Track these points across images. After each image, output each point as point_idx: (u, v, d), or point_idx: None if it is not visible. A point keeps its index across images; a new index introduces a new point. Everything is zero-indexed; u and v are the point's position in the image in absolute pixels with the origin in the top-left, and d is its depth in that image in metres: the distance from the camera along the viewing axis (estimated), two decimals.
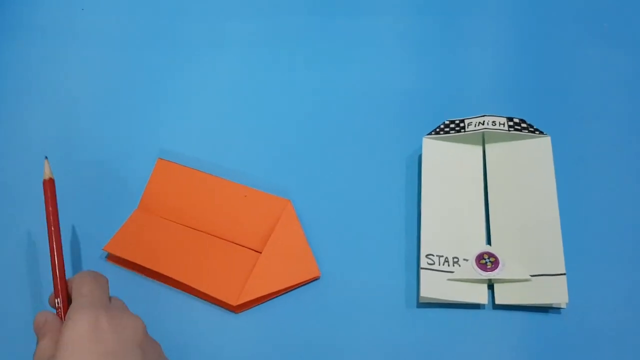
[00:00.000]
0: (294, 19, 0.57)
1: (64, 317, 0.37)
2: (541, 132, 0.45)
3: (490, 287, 0.42)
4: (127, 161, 0.50)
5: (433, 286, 0.41)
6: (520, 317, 0.41)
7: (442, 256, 0.42)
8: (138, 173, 0.49)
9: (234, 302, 0.42)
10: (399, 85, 0.52)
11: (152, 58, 0.56)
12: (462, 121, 0.46)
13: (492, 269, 0.41)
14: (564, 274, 0.40)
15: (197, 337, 0.42)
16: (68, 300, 0.38)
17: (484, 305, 0.42)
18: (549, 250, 0.41)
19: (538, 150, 0.45)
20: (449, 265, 0.42)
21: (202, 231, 0.46)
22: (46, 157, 0.41)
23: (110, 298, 0.37)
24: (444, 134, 0.46)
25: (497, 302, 0.41)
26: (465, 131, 0.46)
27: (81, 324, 0.33)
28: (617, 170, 0.46)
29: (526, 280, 0.41)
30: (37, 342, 0.36)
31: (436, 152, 0.46)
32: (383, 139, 0.49)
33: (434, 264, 0.42)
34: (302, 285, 0.44)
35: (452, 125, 0.46)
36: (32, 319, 0.37)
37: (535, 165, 0.45)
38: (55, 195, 0.40)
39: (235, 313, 0.43)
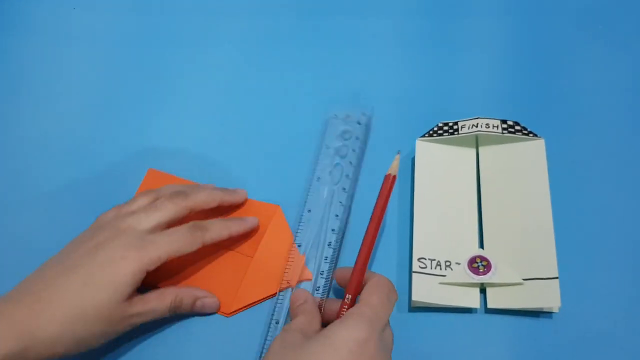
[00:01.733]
0: (287, 20, 0.56)
1: (342, 312, 0.37)
2: (535, 135, 0.45)
3: (483, 291, 0.42)
4: (117, 167, 0.50)
5: (425, 290, 0.41)
6: (513, 321, 0.41)
7: (434, 260, 0.42)
8: (129, 181, 0.49)
9: (227, 310, 0.42)
10: (393, 87, 0.52)
11: (143, 57, 0.56)
12: (456, 123, 0.46)
13: (484, 273, 0.41)
14: (557, 278, 0.39)
15: (188, 341, 0.42)
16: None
17: (476, 309, 0.41)
18: (542, 253, 0.41)
19: (532, 153, 0.45)
20: (441, 269, 0.42)
21: None
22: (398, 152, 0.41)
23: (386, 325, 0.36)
24: (437, 136, 0.46)
25: (489, 306, 0.41)
26: (458, 133, 0.45)
27: (352, 336, 0.33)
28: (611, 173, 0.46)
29: (518, 284, 0.40)
30: (291, 318, 0.38)
31: (429, 154, 0.46)
32: (376, 141, 0.49)
33: (426, 267, 0.42)
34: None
35: (446, 128, 0.46)
36: None
37: (529, 168, 0.44)
38: (390, 192, 0.39)
39: (226, 316, 0.43)
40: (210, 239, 0.41)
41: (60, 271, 0.37)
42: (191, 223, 0.41)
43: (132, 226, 0.39)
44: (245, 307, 0.43)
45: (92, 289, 0.36)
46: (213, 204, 0.44)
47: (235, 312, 0.43)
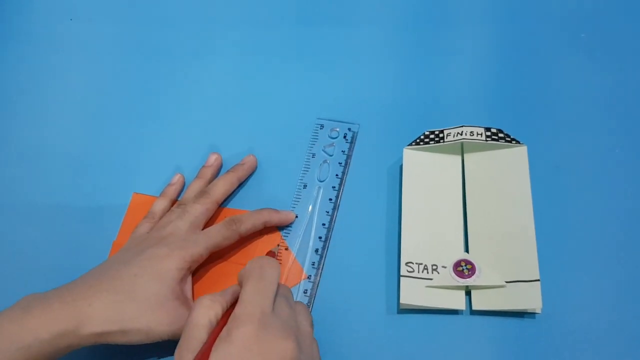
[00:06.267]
0: (275, 31, 0.58)
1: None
2: (518, 142, 0.46)
3: (468, 293, 0.43)
4: (112, 177, 0.51)
5: (412, 293, 0.42)
6: (497, 322, 0.42)
7: (421, 264, 0.43)
8: (123, 187, 0.51)
9: None
10: (380, 96, 0.53)
11: (138, 69, 0.57)
12: (442, 132, 0.47)
13: (468, 276, 0.43)
14: (538, 280, 0.41)
15: None
16: None
17: (461, 311, 0.43)
18: (524, 257, 0.42)
19: (515, 159, 0.46)
20: (427, 273, 0.43)
21: None
22: None
23: (275, 299, 0.36)
24: (423, 144, 0.47)
25: (474, 307, 0.43)
26: (444, 141, 0.47)
27: (234, 346, 0.32)
28: (592, 179, 0.48)
29: (502, 286, 0.42)
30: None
31: (416, 162, 0.47)
32: (364, 150, 0.50)
33: (413, 271, 0.43)
34: None
35: (432, 136, 0.48)
36: None
37: (512, 174, 0.46)
38: None
39: None
40: (246, 230, 0.45)
41: (110, 266, 0.41)
42: (227, 218, 0.45)
43: (173, 233, 0.43)
44: None
45: (142, 279, 0.39)
46: (232, 189, 0.48)
47: None
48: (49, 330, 0.36)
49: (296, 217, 0.47)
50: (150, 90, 0.56)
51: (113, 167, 0.52)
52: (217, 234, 0.44)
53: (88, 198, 0.50)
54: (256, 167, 0.50)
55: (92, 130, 0.54)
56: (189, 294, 0.42)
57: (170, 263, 0.41)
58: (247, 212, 0.46)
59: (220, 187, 0.47)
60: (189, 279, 0.43)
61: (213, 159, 0.50)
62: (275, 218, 0.46)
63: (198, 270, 0.45)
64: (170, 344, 0.40)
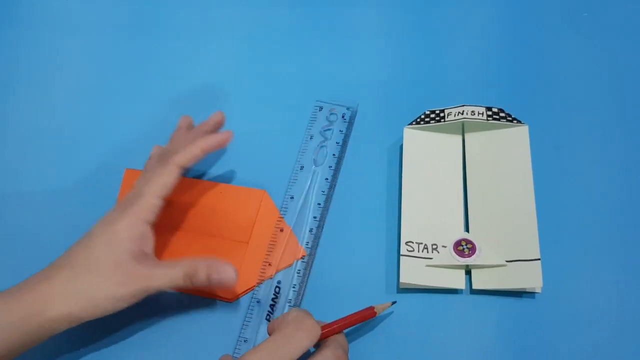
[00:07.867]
0: (274, 11, 0.57)
1: None
2: (519, 121, 0.46)
3: (468, 272, 0.43)
4: (111, 159, 0.51)
5: (412, 272, 0.42)
6: (497, 301, 0.42)
7: (422, 243, 0.43)
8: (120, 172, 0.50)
9: (230, 296, 0.44)
10: (380, 75, 0.53)
11: (132, 47, 0.56)
12: (442, 111, 0.47)
13: (469, 255, 0.42)
14: (539, 260, 0.41)
15: (196, 328, 0.43)
16: None
17: (461, 290, 0.43)
18: (525, 236, 0.42)
19: (516, 139, 0.46)
20: (428, 252, 0.43)
21: (186, 231, 0.46)
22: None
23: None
24: (424, 124, 0.47)
25: (474, 287, 0.42)
26: (445, 121, 0.47)
27: None
28: (592, 158, 0.47)
29: (502, 265, 0.42)
30: None
31: (417, 141, 0.47)
32: (365, 130, 0.50)
33: (413, 250, 0.43)
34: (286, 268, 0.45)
35: (433, 115, 0.47)
36: None
37: (513, 154, 0.46)
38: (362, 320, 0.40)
39: (230, 302, 0.44)
40: (185, 159, 0.43)
41: (73, 245, 0.40)
42: (155, 156, 0.44)
43: (129, 197, 0.42)
44: (247, 290, 0.44)
45: (95, 248, 0.39)
46: (194, 160, 0.44)
47: (238, 296, 0.44)
48: (14, 313, 0.36)
49: (232, 136, 0.45)
50: (144, 68, 0.55)
51: (105, 143, 0.51)
52: (156, 174, 0.42)
53: (81, 175, 0.50)
54: (224, 124, 0.49)
55: (83, 108, 0.53)
56: (148, 249, 0.41)
57: (120, 223, 0.40)
58: (177, 140, 0.46)
59: (180, 157, 0.43)
60: (149, 234, 0.41)
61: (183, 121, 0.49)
62: (212, 142, 0.44)
63: (191, 245, 0.45)
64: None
